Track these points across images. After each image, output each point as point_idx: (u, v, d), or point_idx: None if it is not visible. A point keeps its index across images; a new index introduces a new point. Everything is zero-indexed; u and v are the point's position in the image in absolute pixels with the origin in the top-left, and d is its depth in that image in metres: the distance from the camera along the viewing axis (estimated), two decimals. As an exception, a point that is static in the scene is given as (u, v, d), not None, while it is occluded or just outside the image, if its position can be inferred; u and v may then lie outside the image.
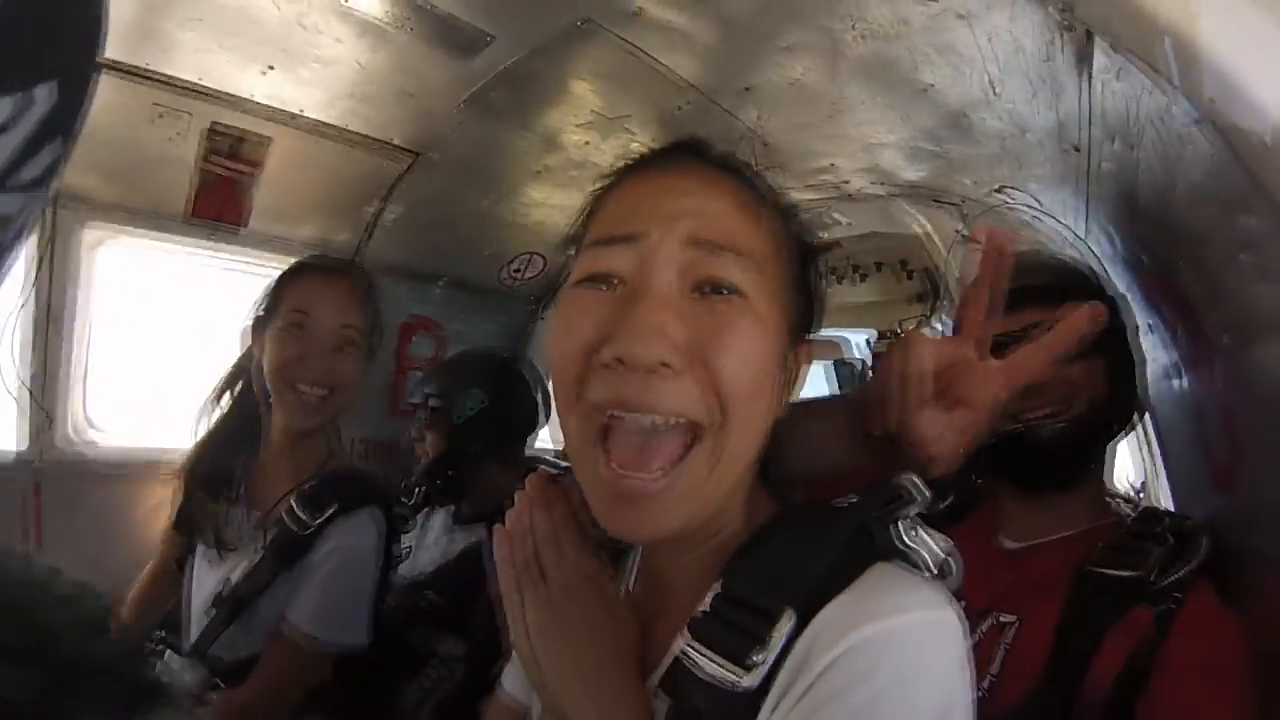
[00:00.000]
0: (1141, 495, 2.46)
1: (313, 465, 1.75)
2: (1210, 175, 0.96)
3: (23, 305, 2.06)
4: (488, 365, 2.24)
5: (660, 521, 0.70)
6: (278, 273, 1.84)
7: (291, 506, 1.67)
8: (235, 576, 1.67)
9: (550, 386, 0.77)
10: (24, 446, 2.12)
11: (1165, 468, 1.60)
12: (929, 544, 0.72)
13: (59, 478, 2.17)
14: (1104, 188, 1.37)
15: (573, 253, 0.79)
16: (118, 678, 0.59)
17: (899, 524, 0.72)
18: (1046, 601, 1.17)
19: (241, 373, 1.82)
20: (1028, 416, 1.25)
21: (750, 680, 0.63)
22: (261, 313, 1.76)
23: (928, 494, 0.74)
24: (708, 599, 0.70)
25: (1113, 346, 1.26)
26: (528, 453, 2.42)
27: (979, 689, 1.08)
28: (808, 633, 0.64)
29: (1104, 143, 1.25)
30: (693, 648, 0.67)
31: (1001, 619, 1.20)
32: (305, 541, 1.64)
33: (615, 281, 0.71)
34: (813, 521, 0.73)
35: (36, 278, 2.08)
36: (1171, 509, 1.47)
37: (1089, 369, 1.24)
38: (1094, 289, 1.29)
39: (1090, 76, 1.13)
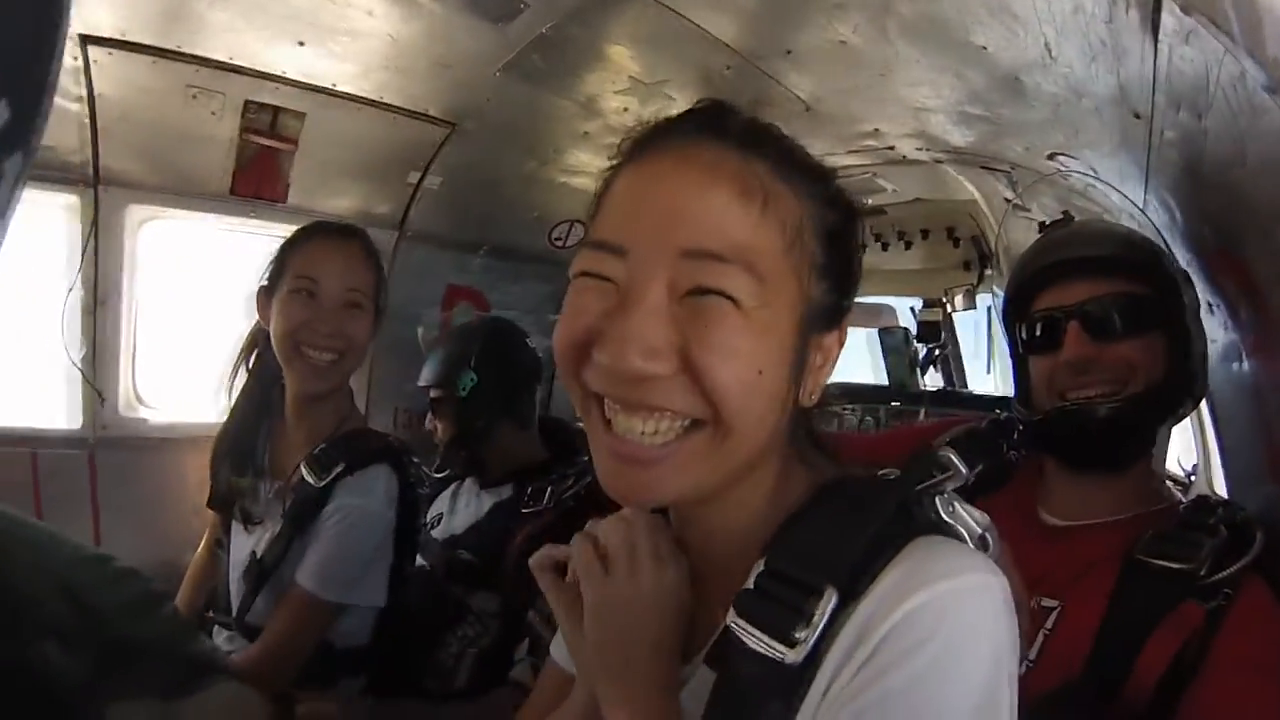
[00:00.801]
0: (1193, 479, 2.40)
1: (327, 430, 1.75)
2: (1285, 148, 0.90)
3: (70, 289, 2.11)
4: (471, 342, 2.23)
5: (658, 489, 0.70)
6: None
7: (303, 471, 1.69)
8: (260, 548, 1.70)
9: None
10: (78, 424, 2.18)
11: (1221, 452, 1.55)
12: (967, 520, 0.72)
13: (112, 452, 2.23)
14: (1165, 158, 1.30)
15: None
16: (168, 655, 0.60)
17: (937, 499, 0.72)
18: (1091, 588, 1.12)
19: (255, 344, 1.82)
20: (1079, 395, 1.21)
21: (795, 656, 0.64)
22: (266, 280, 1.74)
23: (967, 471, 0.77)
24: (752, 576, 0.70)
25: (1173, 325, 1.21)
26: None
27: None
28: (860, 609, 0.64)
29: (1168, 111, 1.18)
30: (738, 624, 0.68)
31: (1043, 603, 1.15)
32: (316, 503, 1.65)
33: (609, 282, 0.70)
34: (854, 498, 0.73)
35: (83, 260, 2.12)
36: (1224, 495, 1.41)
37: (1146, 347, 1.19)
38: (1154, 263, 1.23)
39: (1157, 40, 1.07)
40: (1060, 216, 1.33)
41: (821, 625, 0.64)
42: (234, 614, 1.72)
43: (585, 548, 0.78)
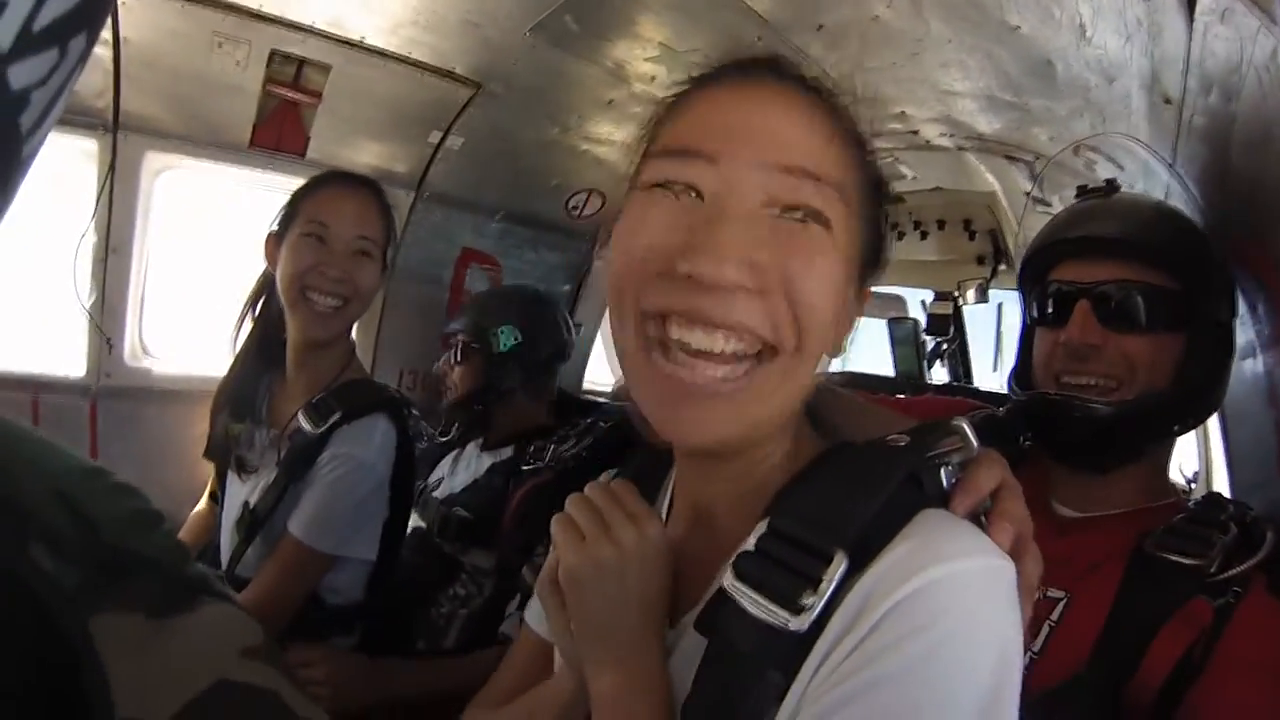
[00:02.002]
0: (1193, 485, 2.39)
1: (328, 380, 1.76)
2: (1316, 130, 0.90)
3: (83, 235, 2.11)
4: (520, 302, 2.24)
5: (724, 423, 0.68)
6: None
7: (300, 419, 1.69)
8: (253, 498, 1.70)
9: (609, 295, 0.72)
10: (81, 372, 2.19)
11: (1226, 454, 1.53)
12: None
13: (115, 402, 2.24)
14: (1193, 147, 1.29)
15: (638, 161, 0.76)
16: (159, 573, 0.60)
17: (942, 470, 0.70)
18: (1099, 581, 1.11)
19: (261, 292, 1.83)
20: (1074, 382, 1.19)
21: (799, 623, 0.61)
22: (278, 226, 1.75)
23: (976, 444, 0.71)
24: (752, 538, 0.67)
25: (1197, 329, 1.16)
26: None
27: None
28: (866, 578, 0.61)
29: (1199, 95, 1.18)
30: (737, 587, 0.65)
31: (1049, 594, 1.13)
32: (312, 451, 1.66)
33: (692, 193, 0.68)
34: (863, 462, 0.71)
35: (97, 206, 2.12)
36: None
37: (1157, 347, 1.15)
38: (1192, 257, 1.16)
39: (1193, 17, 1.06)
40: (1104, 182, 1.29)
41: (830, 592, 0.61)
42: (225, 567, 1.73)
43: (560, 524, 0.77)
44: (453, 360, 2.23)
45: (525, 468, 2.02)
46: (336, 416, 1.66)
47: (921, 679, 0.57)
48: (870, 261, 0.75)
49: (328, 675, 1.59)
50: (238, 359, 1.86)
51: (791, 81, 0.72)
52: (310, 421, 1.67)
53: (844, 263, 0.69)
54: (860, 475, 0.68)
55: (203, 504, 2.04)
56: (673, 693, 0.71)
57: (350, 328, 1.81)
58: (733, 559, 0.67)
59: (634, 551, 0.73)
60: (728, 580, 0.66)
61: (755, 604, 0.63)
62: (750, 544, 0.67)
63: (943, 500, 0.68)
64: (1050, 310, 1.24)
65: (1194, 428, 1.25)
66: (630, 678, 0.71)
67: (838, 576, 0.61)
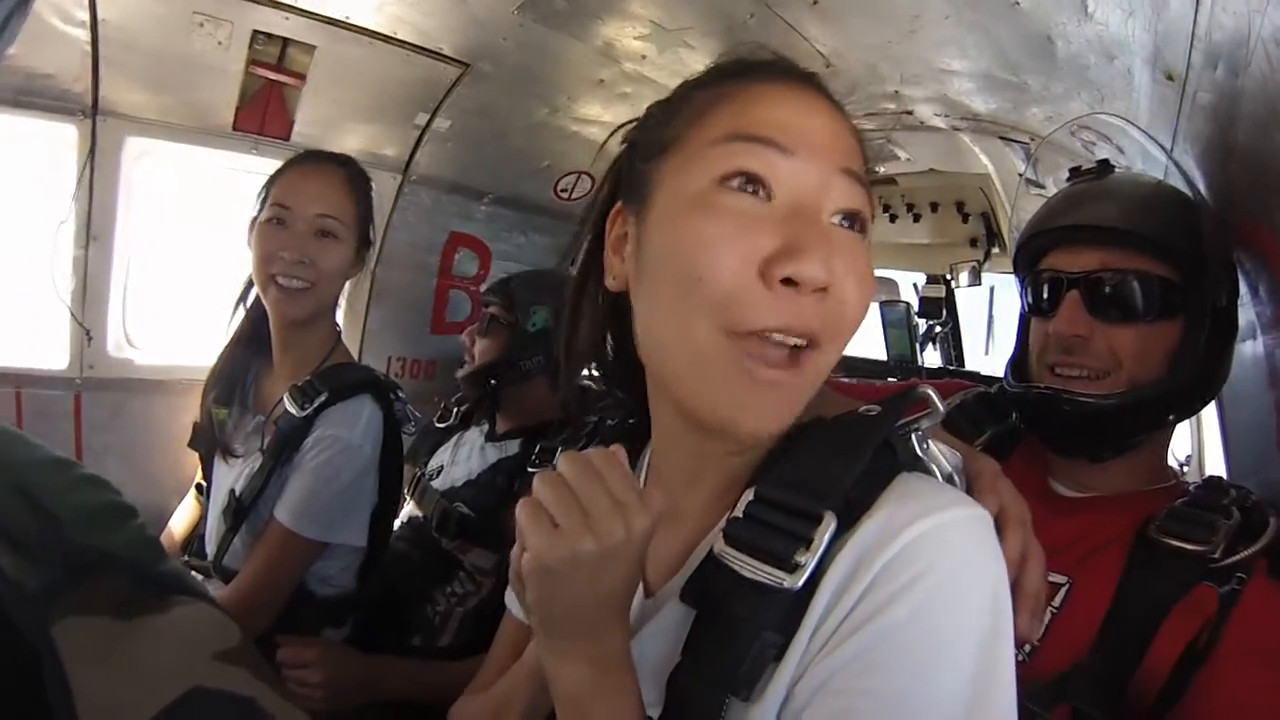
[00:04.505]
0: (1186, 469, 2.39)
1: (313, 364, 1.74)
2: (1326, 104, 0.88)
3: (62, 223, 2.07)
4: (559, 288, 2.20)
5: (782, 412, 0.71)
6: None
7: (285, 402, 1.67)
8: (239, 485, 1.68)
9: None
10: (64, 364, 2.15)
11: (1223, 436, 1.52)
12: (939, 458, 0.76)
13: (99, 394, 2.20)
14: (1197, 125, 1.27)
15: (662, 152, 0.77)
16: (129, 571, 0.57)
17: (913, 437, 0.74)
18: (1101, 566, 1.09)
19: (251, 282, 1.80)
20: (1066, 373, 1.19)
21: (794, 581, 0.63)
22: (255, 212, 1.74)
23: (942, 408, 0.75)
24: (741, 505, 0.70)
25: (1193, 313, 1.14)
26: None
27: (1020, 654, 1.02)
28: (854, 539, 0.65)
29: (1204, 70, 1.15)
30: (728, 553, 0.68)
31: (1051, 578, 1.07)
32: (298, 434, 1.64)
33: (759, 190, 0.70)
34: (840, 432, 0.73)
35: (77, 193, 2.08)
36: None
37: (1149, 337, 1.14)
38: (1188, 243, 1.13)
39: (1200, -11, 1.04)
40: (1096, 164, 1.27)
41: (822, 549, 0.64)
42: (212, 557, 1.70)
43: (528, 510, 0.70)
44: (479, 331, 2.20)
45: (532, 469, 1.97)
46: (322, 398, 1.64)
47: (928, 622, 0.60)
48: None
49: (324, 678, 1.56)
50: (227, 346, 1.85)
51: (818, 87, 0.76)
52: (295, 404, 1.65)
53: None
54: (839, 443, 0.71)
55: (190, 496, 2.01)
56: (654, 665, 0.71)
57: (329, 310, 1.79)
58: (722, 526, 0.70)
59: (618, 549, 0.67)
60: (718, 546, 0.69)
61: (748, 567, 0.66)
62: (739, 511, 0.70)
63: (915, 465, 0.74)
64: (1042, 300, 1.24)
65: (1191, 415, 1.24)
66: (596, 671, 0.70)
67: (828, 535, 0.64)
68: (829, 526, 0.64)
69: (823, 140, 0.71)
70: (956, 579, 0.62)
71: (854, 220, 0.71)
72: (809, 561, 0.63)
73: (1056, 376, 1.20)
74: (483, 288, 2.85)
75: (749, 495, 0.71)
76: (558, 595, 0.68)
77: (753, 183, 0.69)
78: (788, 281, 0.66)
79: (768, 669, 0.64)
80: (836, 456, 0.69)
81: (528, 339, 2.09)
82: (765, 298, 0.67)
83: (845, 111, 0.76)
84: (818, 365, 0.71)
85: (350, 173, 1.79)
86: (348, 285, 1.87)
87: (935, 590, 0.61)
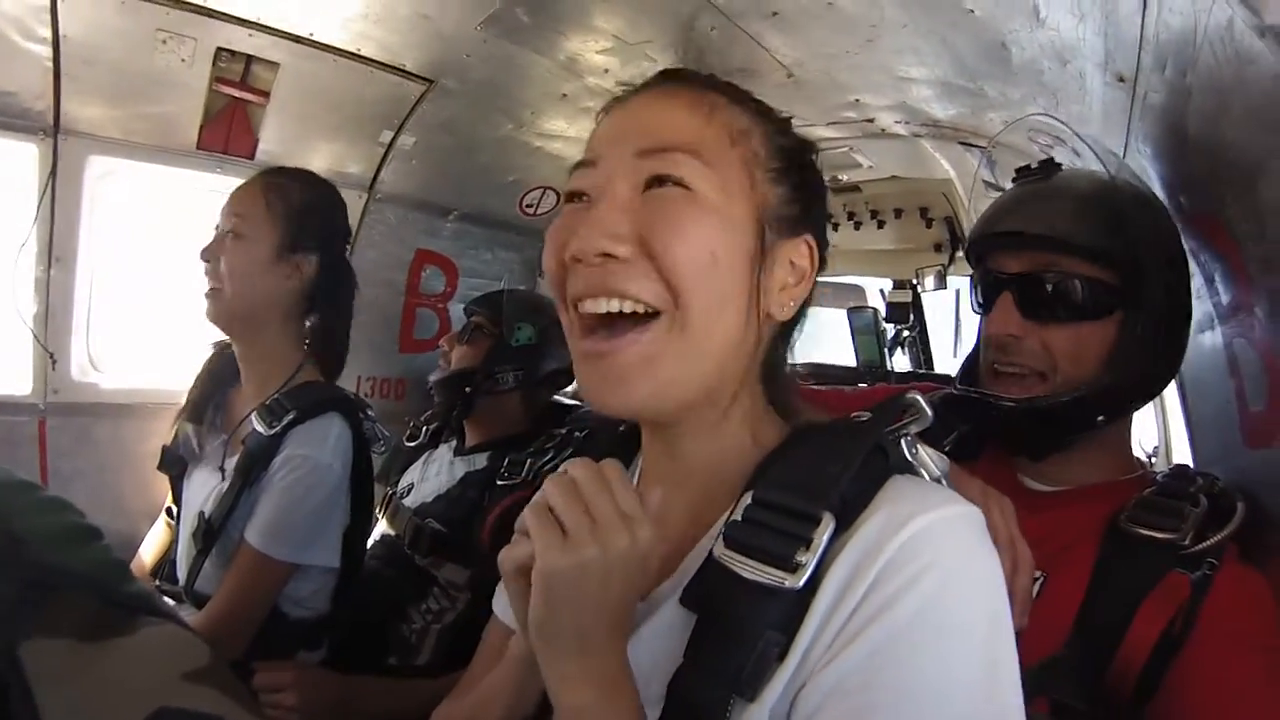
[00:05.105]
0: (1154, 459, 2.43)
1: (277, 382, 1.73)
2: (1271, 97, 0.90)
3: (23, 245, 2.03)
4: (547, 310, 2.20)
5: (629, 388, 0.75)
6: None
7: (253, 421, 1.66)
8: (208, 506, 1.66)
9: None
10: (27, 389, 2.11)
11: (1188, 427, 1.55)
12: (928, 462, 0.79)
13: (64, 419, 2.16)
14: (1148, 125, 1.30)
15: None
16: (94, 593, 0.56)
17: (902, 442, 0.78)
18: (1074, 559, 1.11)
19: None
20: (1001, 371, 1.22)
21: (795, 581, 0.65)
22: None
23: (931, 413, 0.79)
24: (739, 509, 0.72)
25: (1131, 312, 1.16)
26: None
27: None
28: (853, 540, 0.67)
29: (1153, 72, 1.18)
30: (729, 556, 0.69)
31: None
32: (266, 453, 1.63)
33: (586, 198, 0.79)
34: (833, 437, 0.77)
35: (38, 214, 2.04)
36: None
37: (1083, 337, 1.16)
38: (1125, 244, 1.15)
39: (1148, -9, 1.07)
40: (1040, 162, 1.29)
41: (822, 549, 0.66)
42: (184, 582, 1.68)
43: (538, 515, 0.70)
44: (460, 338, 2.19)
45: (501, 482, 1.97)
46: (290, 417, 1.63)
47: (936, 614, 0.63)
48: (788, 214, 0.82)
49: (301, 701, 1.54)
50: (202, 368, 1.86)
51: (679, 80, 0.84)
52: (263, 423, 1.64)
53: (718, 216, 0.76)
54: (833, 448, 0.74)
55: (160, 521, 1.98)
56: (650, 668, 0.72)
57: (243, 314, 1.75)
58: (721, 529, 0.73)
59: (622, 558, 0.68)
60: (718, 549, 0.71)
61: (748, 569, 0.67)
62: (738, 514, 0.72)
63: (906, 468, 0.76)
64: (981, 300, 1.28)
65: (1126, 414, 1.25)
66: (600, 692, 0.69)
67: (827, 535, 0.66)
68: (828, 527, 0.66)
69: (622, 137, 0.79)
70: (959, 571, 0.65)
71: (664, 181, 0.75)
72: (809, 561, 0.65)
73: (997, 376, 1.23)
74: (450, 305, 2.84)
75: (746, 499, 0.73)
76: (562, 605, 0.68)
77: (578, 196, 0.80)
78: (575, 260, 0.76)
79: (771, 669, 0.65)
80: (831, 460, 0.72)
81: (509, 351, 2.10)
82: (568, 277, 0.78)
83: (709, 90, 0.82)
84: (664, 330, 0.75)
85: (272, 178, 1.79)
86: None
87: (940, 583, 0.63)
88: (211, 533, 1.62)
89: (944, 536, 0.66)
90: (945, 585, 0.63)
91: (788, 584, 0.65)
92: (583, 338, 0.77)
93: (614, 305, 0.75)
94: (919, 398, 0.80)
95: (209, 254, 1.68)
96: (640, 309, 0.74)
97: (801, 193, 0.83)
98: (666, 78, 0.85)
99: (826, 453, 0.73)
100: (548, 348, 2.15)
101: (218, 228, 1.71)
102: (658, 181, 0.76)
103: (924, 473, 0.78)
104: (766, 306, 0.80)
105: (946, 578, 0.63)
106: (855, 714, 0.61)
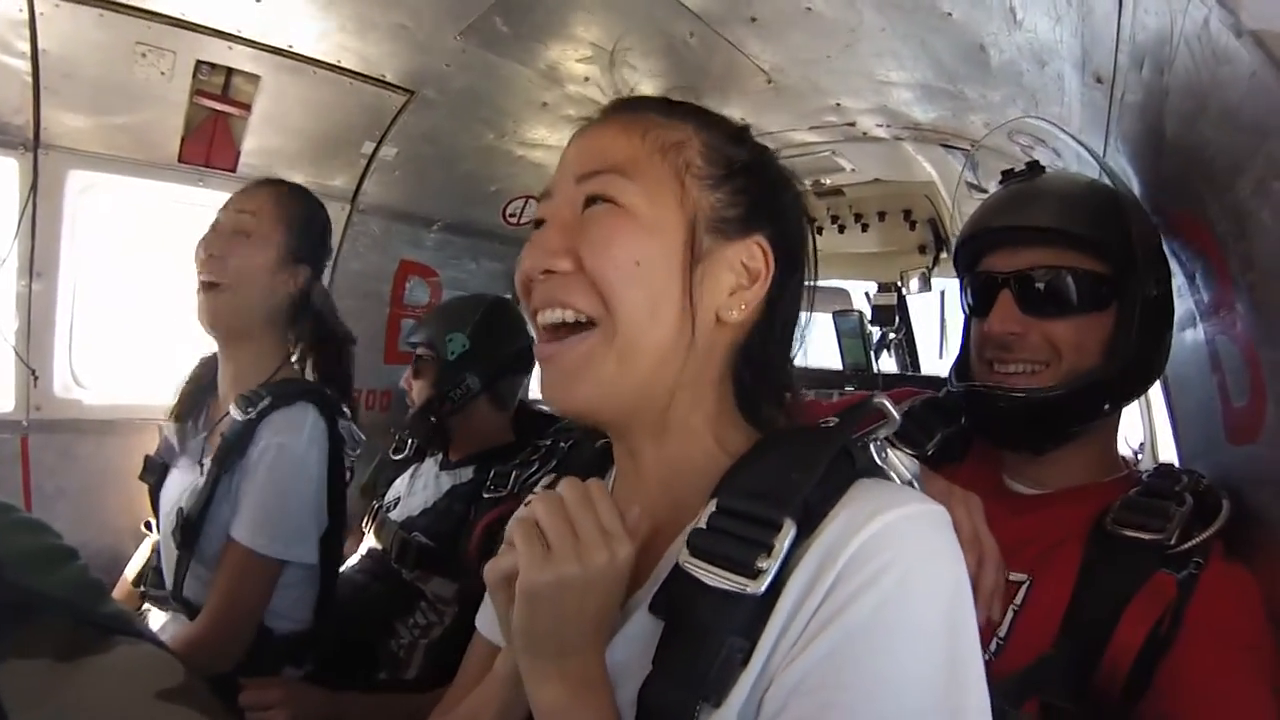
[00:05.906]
0: (1140, 456, 2.44)
1: (259, 379, 1.72)
2: (1247, 96, 0.91)
3: (3, 260, 2.02)
4: (467, 309, 2.20)
5: (570, 389, 0.81)
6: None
7: (230, 410, 1.66)
8: (186, 502, 1.64)
9: None
10: (10, 406, 2.09)
11: (1172, 424, 1.56)
12: (898, 465, 0.80)
13: (47, 436, 2.14)
14: (1126, 124, 1.31)
15: None
16: (69, 613, 0.56)
17: (871, 446, 0.79)
18: (1060, 561, 1.11)
19: None
20: (1004, 369, 1.22)
21: (757, 587, 0.66)
22: None
23: (898, 416, 0.82)
24: (703, 517, 0.73)
25: (1125, 304, 1.18)
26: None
27: (986, 652, 1.04)
28: (816, 542, 0.68)
29: (1130, 72, 1.19)
30: (693, 563, 0.70)
31: (1011, 577, 1.10)
32: (242, 441, 1.62)
33: (544, 223, 0.85)
34: (798, 443, 0.77)
35: (19, 229, 2.03)
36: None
37: (1082, 328, 1.17)
38: (1115, 237, 1.17)
39: (1123, -7, 1.08)
40: (1025, 166, 1.31)
41: (783, 555, 0.66)
42: (170, 587, 1.66)
43: (523, 529, 0.74)
44: (415, 373, 2.18)
45: (487, 495, 1.96)
46: (266, 402, 1.63)
47: (893, 613, 0.63)
48: (729, 216, 0.84)
49: (289, 718, 1.51)
50: (189, 376, 1.85)
51: (620, 108, 0.88)
52: (240, 410, 1.63)
53: (643, 226, 0.80)
54: (797, 454, 0.75)
55: (147, 541, 1.96)
56: (622, 675, 0.74)
57: (253, 321, 1.75)
58: (686, 537, 0.73)
59: (601, 574, 0.72)
60: (682, 557, 0.71)
61: (712, 575, 0.68)
62: (702, 522, 0.73)
63: (874, 472, 0.77)
64: (977, 300, 1.28)
65: (1128, 403, 1.26)
66: (574, 692, 0.72)
67: (788, 541, 0.67)
68: (789, 533, 0.67)
69: (569, 166, 0.85)
70: (919, 569, 0.65)
71: (596, 200, 0.81)
72: (770, 567, 0.66)
73: (995, 372, 1.23)
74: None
75: (711, 506, 0.73)
76: (542, 616, 0.71)
77: (538, 223, 0.87)
78: (528, 278, 0.83)
79: (735, 674, 0.66)
80: (795, 466, 0.72)
81: (450, 368, 2.10)
82: (531, 293, 0.84)
83: (647, 111, 0.86)
84: (600, 337, 0.79)
85: (279, 186, 1.80)
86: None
87: (898, 582, 0.63)
88: (190, 526, 1.60)
89: (904, 535, 0.66)
90: (904, 583, 0.64)
91: (750, 590, 0.66)
92: (540, 344, 0.84)
93: (559, 315, 0.80)
94: (885, 402, 0.82)
95: (214, 247, 1.66)
96: (581, 318, 0.80)
97: (745, 196, 0.85)
98: (614, 108, 0.89)
99: (791, 459, 0.74)
100: (484, 344, 2.14)
101: (218, 223, 1.69)
102: (591, 201, 0.81)
103: (894, 476, 0.79)
104: (714, 310, 0.82)
105: (906, 576, 0.64)
106: (815, 713, 0.62)
